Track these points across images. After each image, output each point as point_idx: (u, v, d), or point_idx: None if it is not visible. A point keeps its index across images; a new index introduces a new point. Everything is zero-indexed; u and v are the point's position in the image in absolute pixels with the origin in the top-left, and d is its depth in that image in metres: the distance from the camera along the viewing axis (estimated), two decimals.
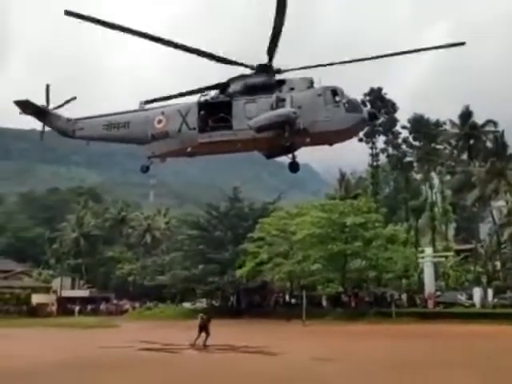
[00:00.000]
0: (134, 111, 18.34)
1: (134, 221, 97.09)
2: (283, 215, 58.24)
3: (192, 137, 16.74)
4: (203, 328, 27.59)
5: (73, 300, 76.55)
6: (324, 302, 57.83)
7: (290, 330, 41.06)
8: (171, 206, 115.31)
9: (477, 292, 51.59)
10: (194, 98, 17.50)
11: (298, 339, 33.51)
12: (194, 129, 16.79)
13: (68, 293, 79.94)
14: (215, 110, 16.79)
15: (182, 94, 17.33)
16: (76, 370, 19.91)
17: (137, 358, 24.19)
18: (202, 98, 17.29)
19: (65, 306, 74.54)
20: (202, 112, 17.00)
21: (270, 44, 15.18)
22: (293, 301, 60.65)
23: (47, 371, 19.64)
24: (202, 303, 69.14)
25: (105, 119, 18.35)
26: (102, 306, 76.67)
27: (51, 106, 18.86)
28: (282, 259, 54.16)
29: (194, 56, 15.91)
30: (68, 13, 14.62)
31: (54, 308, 74.36)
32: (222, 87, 17.01)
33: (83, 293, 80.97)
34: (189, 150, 16.97)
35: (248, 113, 16.03)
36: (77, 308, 73.21)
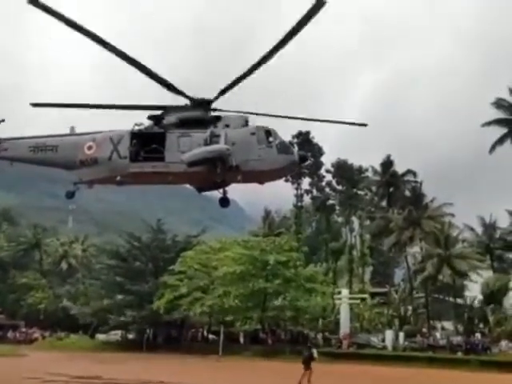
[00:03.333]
0: (64, 135, 17.96)
1: (49, 246, 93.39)
2: (206, 249, 58.21)
3: (122, 166, 16.60)
4: (308, 363, 26.96)
5: None
6: (242, 339, 57.62)
7: (205, 365, 40.60)
8: (91, 233, 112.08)
9: (389, 335, 53.20)
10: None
11: (211, 375, 33.19)
12: (125, 158, 16.68)
13: None
14: (148, 141, 16.76)
15: (113, 106, 16.93)
16: None
17: None
18: (136, 128, 17.26)
19: None
20: (135, 141, 16.95)
21: (228, 85, 15.40)
22: (211, 336, 60.10)
23: None
24: (116, 335, 67.08)
25: (32, 141, 17.84)
26: (10, 334, 72.68)
27: None
28: (201, 294, 53.82)
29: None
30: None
31: None
32: (157, 118, 17.07)
33: None
34: (118, 178, 16.78)
35: (181, 146, 16.12)
36: None
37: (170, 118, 16.75)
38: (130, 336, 66.10)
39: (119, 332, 66.97)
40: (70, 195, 17.49)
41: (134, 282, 60.57)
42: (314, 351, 28.68)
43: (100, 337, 68.35)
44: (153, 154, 16.62)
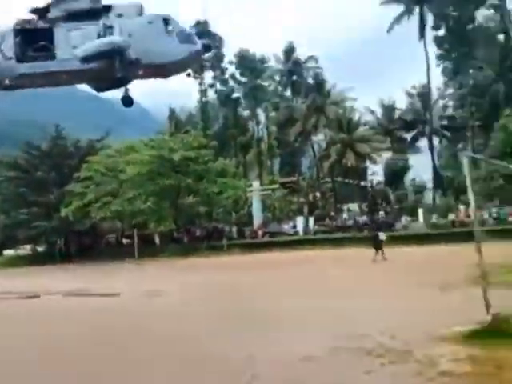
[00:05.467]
0: None
1: None
2: (112, 153, 56.31)
3: (9, 67, 14.95)
4: (379, 246, 30.10)
5: None
6: (157, 240, 57.77)
7: (123, 269, 40.52)
8: None
9: (299, 221, 55.32)
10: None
11: (130, 278, 33.17)
12: (12, 59, 15.02)
13: None
14: (35, 38, 15.10)
15: None
16: None
17: None
18: (17, 25, 15.46)
19: None
20: (19, 39, 15.22)
21: None
22: (125, 241, 59.78)
23: None
24: (25, 249, 65.24)
25: None
26: None
27: None
28: (110, 198, 52.65)
29: None
30: None
31: None
32: (41, 12, 15.30)
33: None
34: (7, 82, 15.18)
35: (73, 41, 14.69)
36: None
37: (56, 11, 15.07)
38: (41, 249, 64.44)
39: (28, 246, 65.08)
40: None
41: (38, 193, 57.97)
42: (381, 234, 31.68)
43: (8, 252, 66.25)
44: (42, 52, 15.09)
